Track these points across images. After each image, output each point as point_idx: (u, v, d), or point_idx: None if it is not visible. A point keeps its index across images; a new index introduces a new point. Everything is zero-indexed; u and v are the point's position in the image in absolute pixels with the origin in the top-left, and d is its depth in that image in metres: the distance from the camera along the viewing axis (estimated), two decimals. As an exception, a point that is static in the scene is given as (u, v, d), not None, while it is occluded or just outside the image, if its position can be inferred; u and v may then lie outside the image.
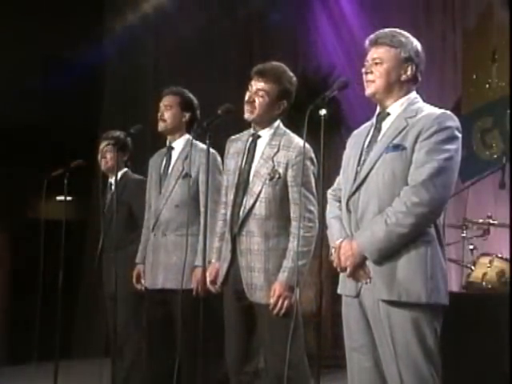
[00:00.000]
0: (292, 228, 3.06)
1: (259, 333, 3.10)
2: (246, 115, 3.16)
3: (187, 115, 3.81)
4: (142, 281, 3.79)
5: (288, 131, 3.19)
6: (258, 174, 3.12)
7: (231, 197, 3.18)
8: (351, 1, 7.47)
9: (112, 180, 4.34)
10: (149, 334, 3.78)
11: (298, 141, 3.08)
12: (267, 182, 3.08)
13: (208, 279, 3.23)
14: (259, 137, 3.19)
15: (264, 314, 3.04)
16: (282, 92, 3.15)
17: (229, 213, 3.18)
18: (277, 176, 3.08)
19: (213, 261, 3.28)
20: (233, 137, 3.33)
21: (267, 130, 3.18)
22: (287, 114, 3.25)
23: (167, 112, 3.78)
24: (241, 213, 3.11)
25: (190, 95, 3.86)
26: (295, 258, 2.97)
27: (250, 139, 3.21)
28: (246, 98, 3.16)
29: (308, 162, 3.07)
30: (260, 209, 3.08)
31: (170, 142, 3.84)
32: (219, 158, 3.72)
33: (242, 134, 3.30)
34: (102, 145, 4.37)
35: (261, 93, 3.12)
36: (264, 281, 3.04)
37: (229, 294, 3.18)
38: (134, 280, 3.83)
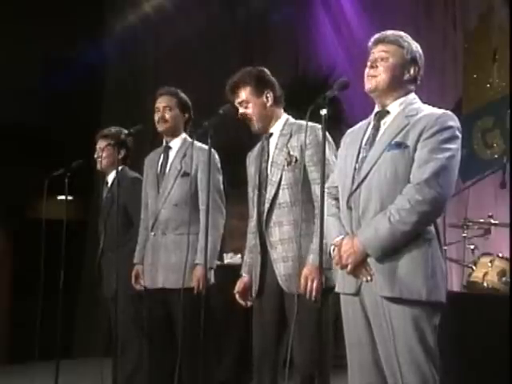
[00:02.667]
0: (316, 209, 3.01)
1: (290, 328, 2.98)
2: (253, 130, 3.19)
3: (186, 115, 3.83)
4: (141, 281, 3.79)
5: (298, 121, 3.18)
6: (275, 164, 3.11)
7: (255, 198, 3.16)
8: (352, 0, 7.48)
9: (108, 178, 4.32)
10: (149, 333, 3.78)
11: (310, 124, 2.97)
12: (285, 167, 3.07)
13: (236, 293, 3.23)
14: (271, 135, 3.19)
15: (298, 306, 2.90)
16: (258, 86, 3.16)
17: (255, 210, 3.15)
18: (294, 160, 3.07)
19: (243, 274, 3.26)
20: (251, 151, 3.34)
21: (277, 124, 3.19)
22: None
23: (168, 113, 3.78)
24: (266, 205, 3.09)
25: (184, 95, 3.87)
26: (319, 239, 2.94)
27: (264, 139, 3.22)
28: (239, 115, 3.18)
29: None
30: (284, 196, 3.06)
31: (167, 142, 3.84)
32: (217, 157, 3.72)
33: (258, 144, 3.31)
34: (98, 143, 4.34)
35: (243, 103, 3.16)
36: (299, 269, 2.97)
37: (265, 302, 3.11)
38: (133, 280, 3.81)
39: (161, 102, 3.81)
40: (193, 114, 3.86)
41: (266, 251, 3.10)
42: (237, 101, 3.19)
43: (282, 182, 3.07)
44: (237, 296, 3.23)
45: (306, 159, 3.02)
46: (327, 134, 3.00)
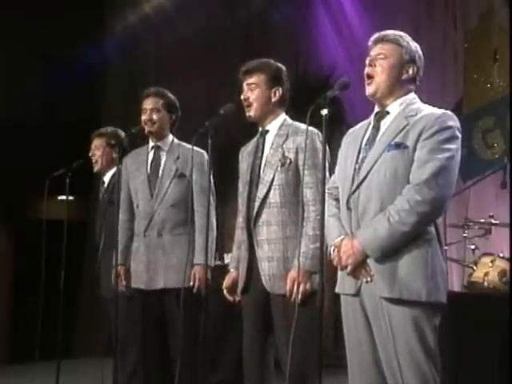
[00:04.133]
0: (305, 212, 3.02)
1: (277, 329, 3.02)
2: (248, 115, 3.18)
3: (173, 117, 3.86)
4: (123, 282, 3.77)
5: (295, 122, 3.18)
6: (269, 164, 3.11)
7: (245, 194, 3.16)
8: (352, 0, 7.47)
9: (104, 178, 4.32)
10: (143, 334, 3.75)
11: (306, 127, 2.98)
12: (278, 168, 3.07)
13: (224, 288, 3.23)
14: (267, 131, 3.19)
15: (283, 306, 2.96)
16: (272, 79, 3.16)
17: (244, 209, 3.15)
18: (288, 161, 3.07)
19: (231, 270, 3.26)
20: (244, 146, 3.34)
21: (274, 123, 3.18)
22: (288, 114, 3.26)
23: (155, 115, 3.80)
24: (256, 203, 3.09)
25: (172, 95, 3.89)
26: (308, 242, 2.95)
27: (259, 136, 3.22)
28: (242, 98, 3.18)
29: (318, 146, 3.04)
30: (275, 197, 3.06)
31: (155, 142, 3.85)
32: (206, 157, 3.72)
33: (252, 140, 3.31)
34: (94, 142, 4.33)
35: (252, 86, 3.16)
36: (283, 270, 2.99)
37: (251, 299, 3.12)
38: (113, 281, 3.75)
39: (148, 104, 3.83)
40: (180, 115, 3.88)
41: (253, 248, 3.10)
42: (246, 82, 3.17)
43: (274, 183, 3.07)
44: (225, 291, 3.23)
45: (299, 163, 3.03)
46: (319, 134, 3.01)
